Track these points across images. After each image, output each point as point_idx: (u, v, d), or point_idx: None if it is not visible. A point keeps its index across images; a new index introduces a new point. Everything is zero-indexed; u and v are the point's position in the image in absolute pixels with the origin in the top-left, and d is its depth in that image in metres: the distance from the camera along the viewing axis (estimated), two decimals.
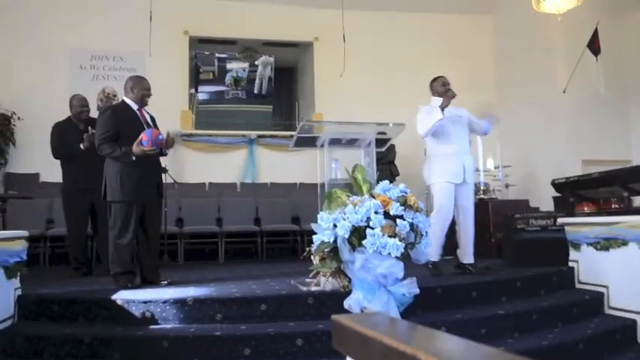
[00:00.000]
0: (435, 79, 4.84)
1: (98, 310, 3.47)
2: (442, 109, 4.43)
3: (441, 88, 4.69)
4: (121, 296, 3.53)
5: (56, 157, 5.24)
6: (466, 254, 4.61)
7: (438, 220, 4.48)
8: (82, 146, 5.03)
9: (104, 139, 4.12)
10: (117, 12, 9.36)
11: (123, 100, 4.39)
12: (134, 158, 4.06)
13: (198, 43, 10.59)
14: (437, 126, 4.47)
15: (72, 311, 3.48)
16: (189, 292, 3.72)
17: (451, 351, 0.68)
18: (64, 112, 9.19)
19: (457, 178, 4.56)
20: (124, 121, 4.19)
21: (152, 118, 4.46)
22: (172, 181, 6.82)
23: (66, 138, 5.18)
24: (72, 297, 3.63)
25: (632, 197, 5.93)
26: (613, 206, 5.91)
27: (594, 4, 8.44)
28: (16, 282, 3.55)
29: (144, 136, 4.05)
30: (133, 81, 4.35)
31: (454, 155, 4.58)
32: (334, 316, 0.98)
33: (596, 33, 8.45)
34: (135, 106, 4.31)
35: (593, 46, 8.50)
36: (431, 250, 4.28)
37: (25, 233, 3.81)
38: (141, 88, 4.31)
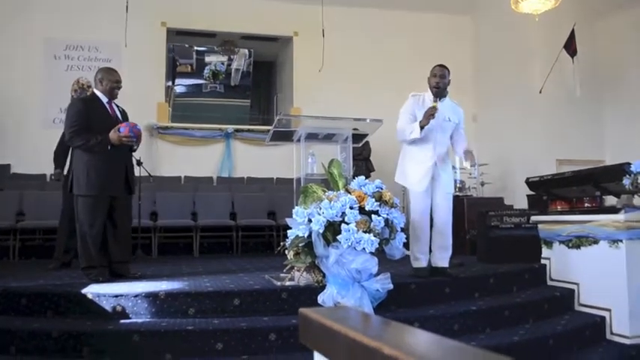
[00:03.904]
0: (432, 68, 4.36)
1: (68, 304, 3.41)
2: (422, 128, 4.08)
3: (431, 80, 4.28)
4: (92, 290, 3.47)
5: None
6: (439, 259, 4.29)
7: (411, 224, 4.21)
8: None
9: (75, 131, 4.04)
10: (92, 1, 9.19)
11: (93, 92, 4.31)
12: (109, 147, 4.02)
13: (175, 35, 10.46)
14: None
15: (40, 305, 3.41)
16: (162, 286, 3.67)
17: (415, 345, 0.67)
18: (37, 103, 9.05)
19: (421, 186, 4.22)
20: (93, 113, 4.12)
21: (123, 111, 4.40)
22: (147, 174, 6.72)
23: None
24: (41, 290, 3.55)
25: (603, 196, 6.01)
26: (585, 205, 5.98)
27: (571, 7, 8.56)
28: None
29: (122, 125, 4.05)
30: (102, 72, 4.28)
31: (424, 163, 4.23)
32: (302, 310, 0.96)
33: (572, 35, 8.57)
34: (105, 99, 4.24)
35: (570, 47, 8.62)
36: (410, 255, 4.23)
37: None
38: (109, 79, 4.22)
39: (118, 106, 4.36)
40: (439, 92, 4.26)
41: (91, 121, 4.07)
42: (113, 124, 4.10)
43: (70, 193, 4.15)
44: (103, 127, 4.05)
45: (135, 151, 4.45)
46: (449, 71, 4.33)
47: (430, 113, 4.08)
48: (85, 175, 4.02)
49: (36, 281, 3.95)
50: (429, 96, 4.31)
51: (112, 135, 4.00)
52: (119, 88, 4.29)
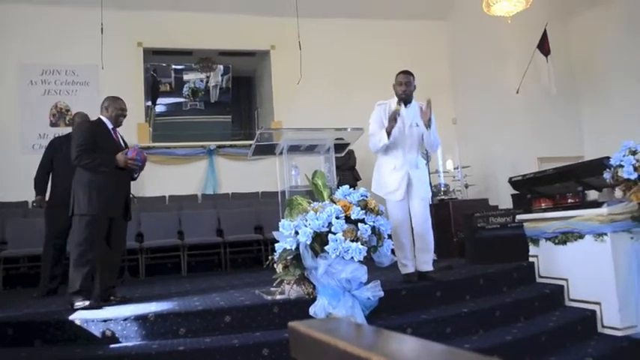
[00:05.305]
0: (397, 75, 4.40)
1: (56, 332, 3.35)
2: (388, 134, 4.16)
3: (397, 88, 4.33)
4: (80, 316, 3.42)
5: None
6: (423, 263, 4.30)
7: (393, 233, 4.07)
8: None
9: (83, 150, 4.10)
10: (67, 25, 9.11)
11: (99, 117, 4.39)
12: (114, 167, 4.12)
13: (152, 54, 10.42)
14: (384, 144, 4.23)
15: (27, 334, 3.35)
16: (151, 307, 3.63)
17: (405, 351, 0.67)
18: (14, 129, 8.94)
19: (396, 196, 4.26)
20: (99, 136, 4.23)
21: (124, 140, 4.49)
22: (131, 195, 6.66)
23: None
24: (27, 319, 3.50)
25: (586, 191, 6.09)
26: (568, 201, 6.07)
27: (543, 7, 8.69)
28: None
29: (130, 149, 4.25)
30: (109, 100, 4.41)
31: (396, 170, 4.27)
32: (291, 323, 0.96)
33: (545, 34, 8.70)
34: (110, 125, 4.35)
35: (543, 47, 8.74)
36: (398, 263, 4.22)
37: None
38: (115, 107, 4.36)
39: (120, 135, 4.45)
40: (406, 99, 4.32)
41: (97, 143, 4.17)
42: (117, 149, 4.22)
43: (70, 215, 4.13)
44: (107, 151, 4.16)
45: (135, 179, 4.50)
46: (414, 77, 4.39)
47: (393, 117, 4.15)
48: (87, 195, 4.04)
49: (22, 310, 3.89)
50: (394, 102, 4.35)
51: (119, 156, 4.12)
52: (124, 116, 4.42)
